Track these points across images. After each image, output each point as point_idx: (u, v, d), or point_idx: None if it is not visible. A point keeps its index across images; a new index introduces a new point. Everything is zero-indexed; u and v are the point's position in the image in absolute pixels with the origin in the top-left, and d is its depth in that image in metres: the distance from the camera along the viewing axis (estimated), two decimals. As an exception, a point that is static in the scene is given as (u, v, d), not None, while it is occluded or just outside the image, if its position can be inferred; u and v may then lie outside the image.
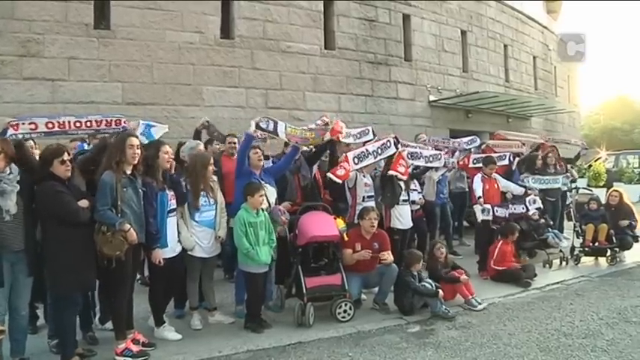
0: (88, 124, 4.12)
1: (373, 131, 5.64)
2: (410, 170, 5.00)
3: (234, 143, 4.94)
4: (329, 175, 4.31)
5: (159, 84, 7.29)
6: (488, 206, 5.19)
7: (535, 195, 5.71)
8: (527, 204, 5.55)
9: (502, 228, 5.24)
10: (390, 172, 4.65)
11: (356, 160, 4.43)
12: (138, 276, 4.00)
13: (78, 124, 4.07)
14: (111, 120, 4.17)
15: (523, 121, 13.07)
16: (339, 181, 4.30)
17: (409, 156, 4.90)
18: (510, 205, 5.44)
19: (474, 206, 5.17)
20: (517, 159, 6.58)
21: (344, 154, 4.49)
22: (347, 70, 9.21)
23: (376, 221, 4.09)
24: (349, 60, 9.25)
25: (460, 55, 11.38)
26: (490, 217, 5.17)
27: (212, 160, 3.74)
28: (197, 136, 5.02)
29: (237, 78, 7.95)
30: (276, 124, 4.01)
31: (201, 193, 3.58)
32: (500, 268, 4.97)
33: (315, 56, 8.79)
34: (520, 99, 11.42)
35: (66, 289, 2.93)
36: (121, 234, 2.96)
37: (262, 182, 3.85)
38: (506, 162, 6.25)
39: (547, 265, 5.54)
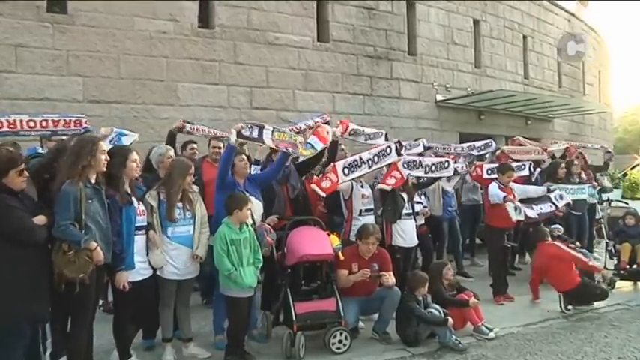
0: (44, 124, 4.07)
1: (386, 136, 5.82)
2: (410, 181, 5.04)
3: (219, 148, 5.05)
4: (312, 186, 4.42)
5: (126, 79, 7.34)
6: (519, 204, 5.20)
7: (560, 190, 5.73)
8: (554, 200, 5.53)
9: (530, 238, 5.30)
10: (380, 186, 4.75)
11: (346, 171, 4.50)
12: (100, 302, 4.05)
13: (32, 124, 4.03)
14: (70, 120, 4.15)
15: (544, 123, 13.27)
16: (323, 195, 4.41)
17: (405, 166, 4.94)
18: (534, 206, 5.45)
19: (506, 204, 5.15)
20: (538, 169, 6.61)
21: (332, 164, 4.58)
22: (343, 66, 9.35)
23: (374, 246, 4.18)
24: (345, 54, 9.40)
25: (472, 48, 11.56)
26: (523, 217, 5.20)
27: (192, 170, 3.79)
28: (171, 140, 5.12)
29: (217, 74, 8.05)
30: (261, 129, 4.04)
31: (177, 205, 3.64)
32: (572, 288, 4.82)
33: (306, 49, 8.92)
34: (541, 98, 11.55)
35: (11, 320, 2.86)
36: (86, 253, 2.98)
37: (247, 194, 3.92)
38: (525, 172, 6.30)
39: None
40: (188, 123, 5.44)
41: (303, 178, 4.90)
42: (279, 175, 4.37)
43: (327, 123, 5.47)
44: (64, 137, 3.90)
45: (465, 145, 6.97)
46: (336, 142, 5.11)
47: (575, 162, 6.92)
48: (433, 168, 5.25)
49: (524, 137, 7.93)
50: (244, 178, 4.13)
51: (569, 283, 4.96)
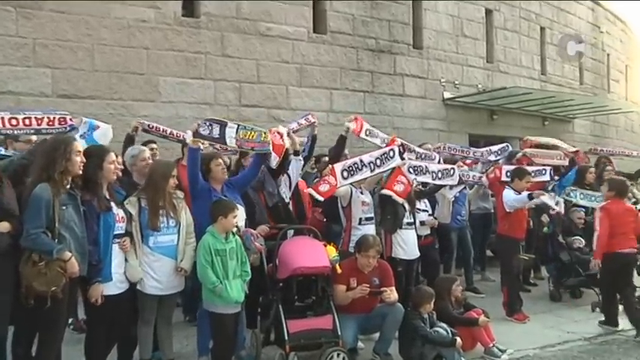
0: (27, 122, 4.01)
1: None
2: (413, 187, 5.12)
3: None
4: (309, 190, 4.50)
5: (101, 72, 7.35)
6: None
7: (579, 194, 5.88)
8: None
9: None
10: (384, 192, 4.83)
11: (345, 174, 4.56)
12: (70, 319, 4.09)
13: (14, 122, 3.97)
14: (54, 118, 4.10)
15: (564, 123, 13.35)
16: (321, 199, 4.47)
17: (411, 170, 5.02)
18: None
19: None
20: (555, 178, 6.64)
21: (330, 166, 4.65)
22: (341, 60, 9.41)
23: (375, 259, 4.24)
24: (344, 47, 9.46)
25: (484, 41, 11.64)
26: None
27: (175, 171, 3.82)
28: (129, 143, 5.07)
29: (202, 67, 8.09)
30: (223, 127, 3.97)
31: (160, 212, 3.68)
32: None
33: (301, 41, 8.98)
34: (560, 96, 11.63)
35: None
36: (59, 264, 3.01)
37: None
38: (546, 178, 6.36)
39: (597, 309, 5.65)
40: (144, 122, 5.49)
41: (298, 177, 4.93)
42: (257, 175, 4.39)
43: (312, 124, 5.47)
44: (49, 135, 3.87)
45: (483, 150, 7.02)
46: (344, 138, 5.16)
47: (609, 167, 6.97)
48: (440, 175, 5.33)
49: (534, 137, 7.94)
50: (222, 183, 4.17)
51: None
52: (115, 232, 3.49)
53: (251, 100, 8.48)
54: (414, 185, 5.19)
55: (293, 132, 5.13)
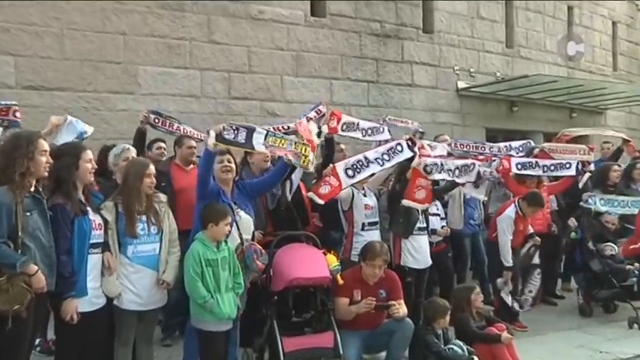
0: None
1: (389, 130, 5.88)
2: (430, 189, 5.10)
3: (194, 148, 5.14)
4: (309, 194, 4.52)
5: (72, 60, 7.35)
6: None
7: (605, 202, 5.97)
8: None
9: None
10: (405, 202, 4.84)
11: (350, 172, 4.59)
12: (37, 340, 4.07)
13: None
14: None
15: (594, 116, 13.35)
16: (321, 202, 4.49)
17: (426, 169, 5.00)
18: None
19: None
20: (587, 174, 6.56)
21: (331, 166, 4.66)
22: (342, 46, 9.43)
23: (382, 269, 4.25)
24: (345, 31, 9.47)
25: (503, 23, 11.65)
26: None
27: (151, 170, 3.78)
28: (140, 139, 5.12)
29: (187, 55, 8.11)
30: (250, 132, 3.97)
31: (138, 217, 3.67)
32: None
33: (297, 26, 9.00)
34: (590, 85, 11.59)
35: None
36: (23, 279, 2.98)
37: (235, 207, 3.98)
38: (571, 172, 6.29)
39: (635, 326, 5.68)
40: (154, 114, 5.44)
41: (293, 186, 4.95)
42: (277, 184, 4.41)
43: (323, 116, 5.54)
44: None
45: (502, 145, 7.03)
46: (332, 139, 5.20)
47: (616, 167, 6.91)
48: (457, 172, 5.31)
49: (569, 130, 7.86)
50: (231, 186, 4.16)
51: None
52: (92, 241, 3.47)
53: (241, 91, 8.50)
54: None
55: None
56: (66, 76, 7.32)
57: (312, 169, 4.38)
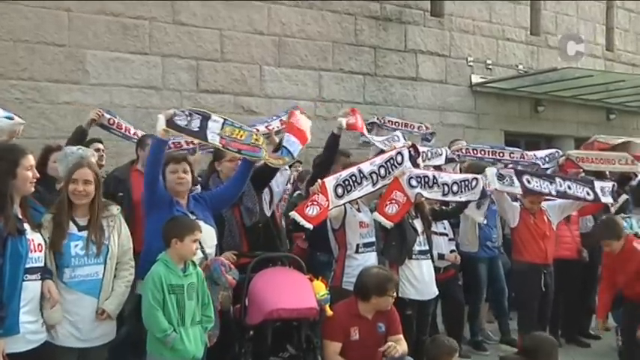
0: None
1: (405, 136, 5.99)
2: (434, 206, 5.22)
3: None
4: (293, 214, 4.57)
5: (4, 41, 7.32)
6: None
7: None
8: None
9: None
10: (374, 216, 4.91)
11: (340, 191, 4.64)
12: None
13: None
14: None
15: (636, 117, 13.52)
16: (309, 226, 4.55)
17: (413, 182, 5.00)
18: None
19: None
20: (624, 196, 6.62)
21: (319, 181, 4.69)
22: (333, 31, 9.50)
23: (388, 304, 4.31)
24: (338, 13, 9.54)
25: (527, 5, 11.78)
26: None
27: (86, 173, 3.64)
28: (80, 138, 5.17)
29: (146, 38, 8.14)
30: (206, 119, 4.06)
31: (74, 233, 3.57)
32: None
33: (280, 5, 9.07)
34: (632, 80, 11.59)
35: None
36: None
37: (192, 218, 4.01)
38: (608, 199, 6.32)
39: None
40: (109, 114, 5.57)
41: (274, 198, 5.02)
42: (241, 191, 4.46)
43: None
44: None
45: (537, 155, 7.15)
46: (337, 138, 5.24)
47: None
48: (455, 188, 5.26)
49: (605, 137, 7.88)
50: (185, 197, 4.22)
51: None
52: (28, 265, 3.37)
53: (212, 83, 8.56)
54: (423, 200, 5.18)
55: (275, 133, 5.25)
56: (-4, 61, 7.27)
57: (276, 162, 4.47)
